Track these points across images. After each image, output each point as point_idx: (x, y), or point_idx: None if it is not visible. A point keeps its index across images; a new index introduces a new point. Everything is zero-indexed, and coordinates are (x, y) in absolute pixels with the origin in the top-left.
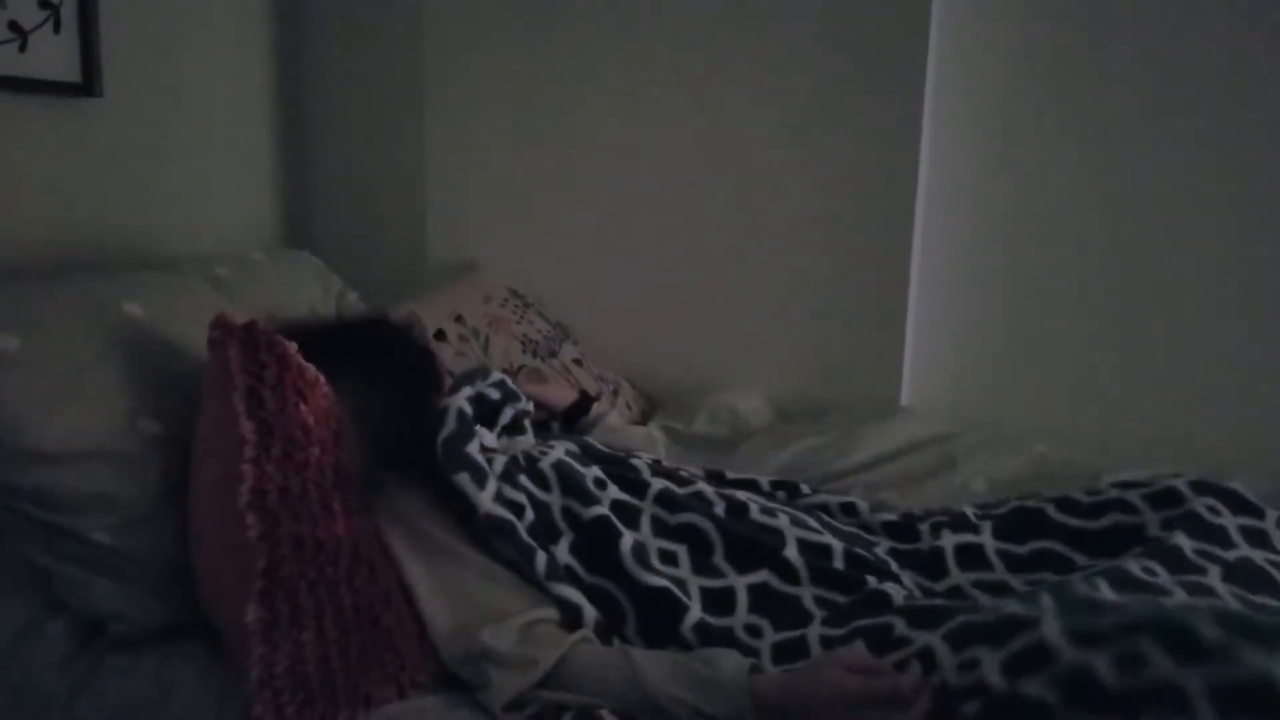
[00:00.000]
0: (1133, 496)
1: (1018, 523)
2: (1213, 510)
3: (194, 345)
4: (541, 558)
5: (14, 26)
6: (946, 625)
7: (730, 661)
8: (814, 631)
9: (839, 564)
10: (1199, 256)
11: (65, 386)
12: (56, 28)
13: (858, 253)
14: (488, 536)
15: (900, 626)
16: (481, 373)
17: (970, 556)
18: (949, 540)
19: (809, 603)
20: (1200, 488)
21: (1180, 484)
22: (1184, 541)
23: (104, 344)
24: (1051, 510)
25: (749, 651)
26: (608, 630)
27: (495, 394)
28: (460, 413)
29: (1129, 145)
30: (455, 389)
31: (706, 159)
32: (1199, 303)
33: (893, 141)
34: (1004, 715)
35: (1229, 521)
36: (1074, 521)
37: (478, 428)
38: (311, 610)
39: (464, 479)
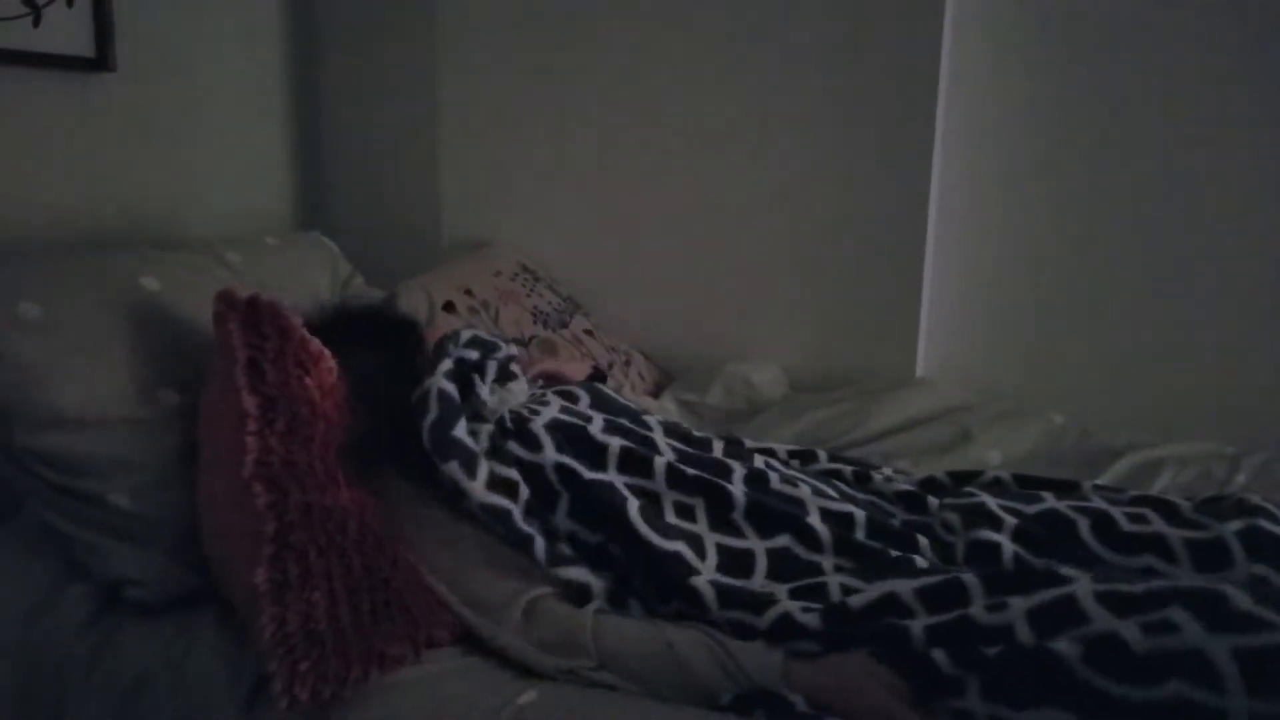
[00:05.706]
0: (1176, 540)
1: (1042, 529)
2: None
3: (208, 320)
4: (540, 545)
5: (28, 1)
6: (977, 571)
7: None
8: (834, 580)
9: (861, 535)
10: (1217, 228)
11: (84, 354)
12: (70, 2)
13: (873, 223)
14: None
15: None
16: (453, 338)
17: (983, 556)
18: (962, 538)
19: (829, 570)
20: (1253, 543)
21: (1230, 537)
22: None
23: (122, 315)
24: (1084, 529)
25: (763, 601)
26: (620, 595)
27: (473, 353)
28: (441, 394)
29: (1149, 116)
30: (431, 366)
31: (720, 132)
32: (1216, 274)
33: (908, 114)
34: (1026, 664)
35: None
36: (1104, 550)
37: (476, 379)
38: (321, 572)
39: (454, 468)
